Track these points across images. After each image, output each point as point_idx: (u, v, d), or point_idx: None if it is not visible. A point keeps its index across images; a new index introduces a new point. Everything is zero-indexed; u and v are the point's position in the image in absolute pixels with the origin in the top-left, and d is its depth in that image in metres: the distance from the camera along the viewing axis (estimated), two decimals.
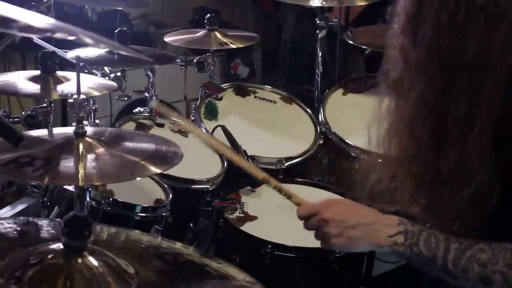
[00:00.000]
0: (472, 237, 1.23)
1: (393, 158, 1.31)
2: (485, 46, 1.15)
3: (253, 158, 2.31)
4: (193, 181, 2.19)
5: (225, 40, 2.67)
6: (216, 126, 2.42)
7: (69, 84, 1.95)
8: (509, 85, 1.15)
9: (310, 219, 1.37)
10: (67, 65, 2.36)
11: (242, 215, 2.01)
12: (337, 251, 1.83)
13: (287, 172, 2.41)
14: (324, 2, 2.77)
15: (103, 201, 1.92)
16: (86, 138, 1.48)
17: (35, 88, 1.94)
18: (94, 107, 2.42)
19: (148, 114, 2.54)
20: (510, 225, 1.20)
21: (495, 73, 1.15)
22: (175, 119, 2.17)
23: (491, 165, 1.19)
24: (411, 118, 1.24)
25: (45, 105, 2.14)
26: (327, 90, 2.78)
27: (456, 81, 1.18)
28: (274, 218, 2.02)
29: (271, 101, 2.77)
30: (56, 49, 2.39)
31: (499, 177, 1.19)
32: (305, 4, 2.86)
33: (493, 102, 1.16)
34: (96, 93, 2.04)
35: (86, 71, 2.44)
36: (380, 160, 1.36)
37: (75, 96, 1.51)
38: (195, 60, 2.75)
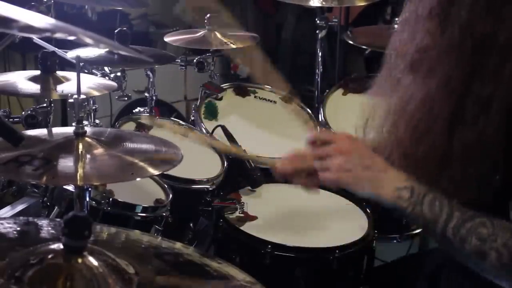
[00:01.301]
0: None
1: (396, 138, 1.31)
2: None
3: (253, 158, 2.31)
4: (193, 181, 2.19)
5: (225, 40, 2.67)
6: (216, 126, 2.42)
7: (69, 84, 1.95)
8: None
9: (325, 145, 1.37)
10: (67, 65, 2.36)
11: (242, 215, 2.01)
12: (337, 251, 1.83)
13: None
14: (324, 2, 2.77)
15: (103, 201, 1.92)
16: (86, 138, 1.48)
17: (35, 88, 1.94)
18: (94, 107, 2.42)
19: (148, 114, 2.54)
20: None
21: None
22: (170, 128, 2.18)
23: (502, 146, 1.20)
24: (430, 97, 1.24)
25: (45, 105, 2.14)
26: (327, 90, 2.78)
27: (485, 63, 1.20)
28: (274, 218, 2.02)
29: (271, 101, 2.77)
30: (56, 49, 2.39)
31: (503, 157, 1.21)
32: (305, 4, 2.86)
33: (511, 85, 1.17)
34: (96, 93, 2.04)
35: (86, 71, 2.44)
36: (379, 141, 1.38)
37: (75, 96, 1.51)
38: (195, 60, 2.75)
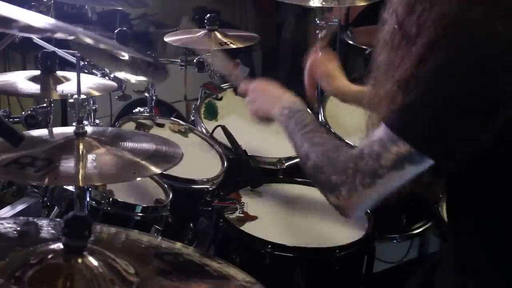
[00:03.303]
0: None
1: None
2: None
3: (253, 158, 2.31)
4: (193, 181, 2.19)
5: (225, 40, 2.66)
6: (216, 126, 2.42)
7: (69, 84, 1.95)
8: None
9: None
10: (67, 65, 2.36)
11: (242, 215, 2.01)
12: (337, 251, 1.84)
13: (287, 172, 2.41)
14: (324, 2, 2.77)
15: (103, 201, 1.92)
16: (86, 138, 1.48)
17: (35, 88, 1.94)
18: (94, 107, 2.42)
19: (148, 114, 2.54)
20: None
21: None
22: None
23: None
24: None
25: (45, 105, 2.14)
26: None
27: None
28: (274, 218, 2.02)
29: None
30: (56, 49, 2.39)
31: None
32: (305, 4, 2.86)
33: None
34: (96, 93, 2.04)
35: (86, 71, 2.44)
36: None
37: (75, 96, 1.51)
38: (195, 60, 2.75)
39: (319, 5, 2.78)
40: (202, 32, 2.70)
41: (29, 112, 2.07)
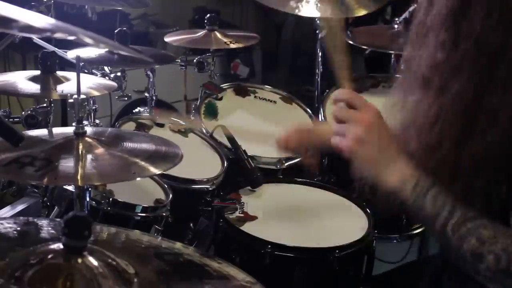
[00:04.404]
0: None
1: (407, 153, 1.30)
2: None
3: (253, 158, 2.31)
4: (193, 181, 2.19)
5: (225, 40, 2.67)
6: (216, 126, 2.42)
7: (69, 84, 1.95)
8: None
9: (349, 109, 1.32)
10: (67, 65, 2.36)
11: (242, 215, 2.01)
12: (337, 251, 1.83)
13: (287, 172, 2.41)
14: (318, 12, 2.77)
15: (103, 201, 1.92)
16: (86, 138, 1.48)
17: (35, 88, 1.94)
18: (94, 107, 2.42)
19: (148, 114, 2.54)
20: None
21: None
22: (175, 119, 2.17)
23: (508, 157, 1.20)
24: (442, 114, 1.23)
25: (45, 105, 2.14)
26: (327, 90, 2.78)
27: (495, 76, 1.19)
28: (274, 218, 2.02)
29: (271, 101, 2.77)
30: (56, 49, 2.39)
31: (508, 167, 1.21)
32: (299, 14, 2.84)
33: None
34: (96, 93, 2.04)
35: (86, 71, 2.44)
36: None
37: (75, 96, 1.51)
38: (195, 60, 2.75)
39: (314, 15, 2.78)
40: (202, 32, 2.70)
41: (29, 112, 2.07)
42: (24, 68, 3.57)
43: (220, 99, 2.67)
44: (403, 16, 2.87)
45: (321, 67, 2.99)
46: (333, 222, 2.00)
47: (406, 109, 1.31)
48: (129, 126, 2.41)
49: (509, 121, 1.18)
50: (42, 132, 1.63)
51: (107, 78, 2.46)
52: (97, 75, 2.46)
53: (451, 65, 1.22)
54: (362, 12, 3.05)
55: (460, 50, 1.21)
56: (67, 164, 1.41)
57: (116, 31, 2.41)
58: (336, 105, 1.35)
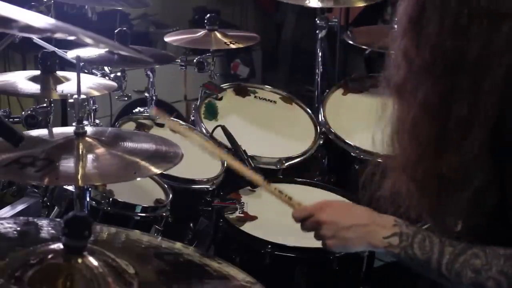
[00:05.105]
0: (473, 237, 1.24)
1: (396, 163, 1.31)
2: (486, 47, 1.15)
3: (253, 158, 2.31)
4: (193, 181, 2.19)
5: (225, 40, 2.67)
6: (216, 126, 2.42)
7: (69, 84, 1.95)
8: (506, 85, 1.15)
9: (306, 221, 1.42)
10: (67, 65, 2.36)
11: (242, 215, 2.01)
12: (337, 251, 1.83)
13: (287, 172, 2.41)
14: (321, 3, 2.78)
15: (103, 201, 1.92)
16: (87, 138, 1.48)
17: (35, 88, 1.94)
18: (94, 107, 2.42)
19: (148, 114, 2.54)
20: (509, 225, 1.20)
21: (494, 73, 1.15)
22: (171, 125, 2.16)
23: (489, 166, 1.19)
24: (415, 122, 1.23)
25: (45, 105, 2.14)
26: (327, 90, 2.79)
27: (458, 83, 1.18)
28: (274, 218, 2.02)
29: (271, 101, 2.77)
30: (56, 49, 2.39)
31: (496, 177, 1.20)
32: (302, 4, 2.86)
33: (490, 102, 1.16)
34: (96, 93, 2.04)
35: (86, 71, 2.44)
36: (382, 164, 1.36)
37: (75, 96, 1.51)
38: (195, 60, 2.75)
39: (316, 6, 2.79)
40: (202, 32, 2.70)
41: (29, 112, 2.07)
42: (24, 68, 3.57)
43: (220, 99, 2.67)
44: None
45: (321, 67, 2.99)
46: None
47: (389, 119, 1.32)
48: (129, 126, 2.41)
49: (483, 130, 1.17)
50: (42, 132, 1.63)
51: (107, 78, 2.46)
52: (97, 75, 2.46)
53: (414, 73, 1.22)
54: (361, 4, 3.06)
55: (420, 58, 1.20)
56: (67, 164, 1.41)
57: (116, 31, 2.41)
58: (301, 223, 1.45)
